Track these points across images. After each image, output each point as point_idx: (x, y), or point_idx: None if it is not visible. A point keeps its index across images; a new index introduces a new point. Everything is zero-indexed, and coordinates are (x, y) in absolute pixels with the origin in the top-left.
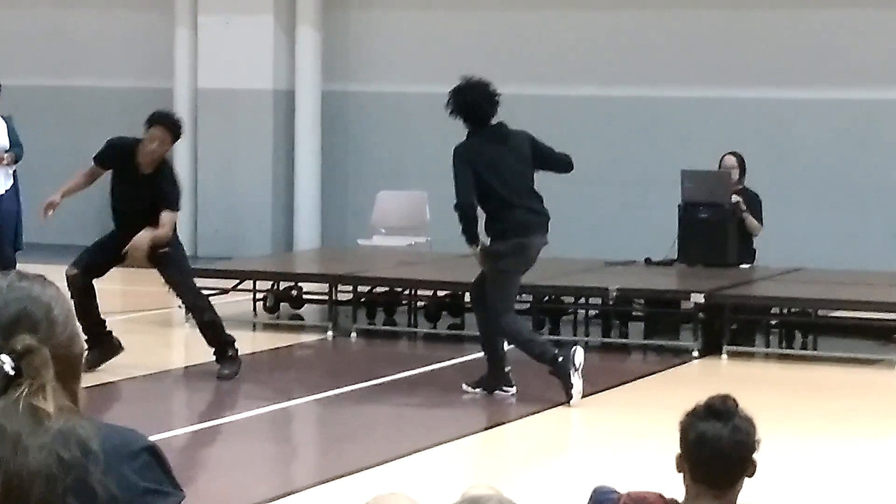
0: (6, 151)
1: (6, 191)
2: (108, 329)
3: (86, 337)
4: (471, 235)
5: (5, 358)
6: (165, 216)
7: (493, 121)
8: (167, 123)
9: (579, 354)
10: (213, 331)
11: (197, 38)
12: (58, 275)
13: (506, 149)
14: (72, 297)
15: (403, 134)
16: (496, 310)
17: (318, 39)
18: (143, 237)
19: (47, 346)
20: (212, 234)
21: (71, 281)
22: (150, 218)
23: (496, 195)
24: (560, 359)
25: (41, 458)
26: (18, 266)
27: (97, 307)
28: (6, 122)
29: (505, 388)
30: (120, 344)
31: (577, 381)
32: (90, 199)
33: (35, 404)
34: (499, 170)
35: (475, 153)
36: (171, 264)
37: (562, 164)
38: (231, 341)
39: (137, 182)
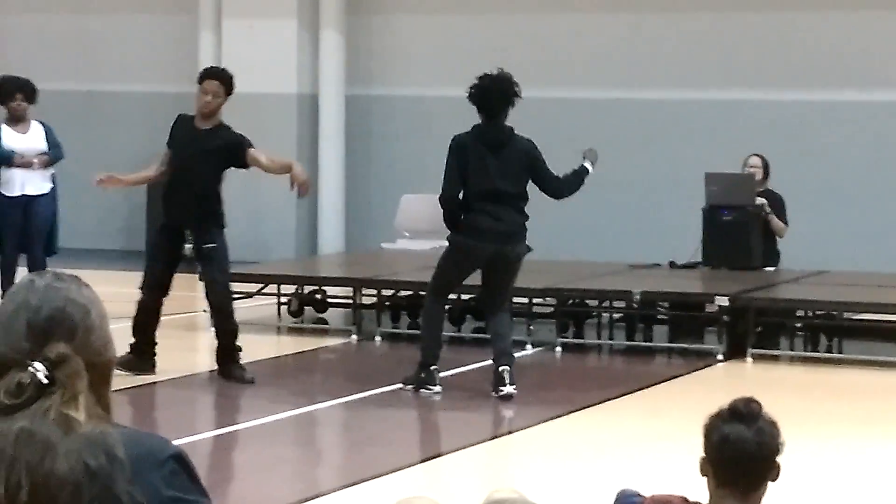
0: (43, 154)
1: (43, 194)
2: (155, 349)
3: (131, 346)
4: (449, 227)
5: (39, 366)
6: (254, 154)
7: (507, 120)
8: (219, 75)
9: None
10: (232, 339)
11: (221, 43)
12: (88, 280)
13: (496, 154)
14: (137, 316)
15: (427, 137)
16: (429, 286)
17: (342, 43)
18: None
19: (82, 354)
20: (236, 238)
21: (141, 305)
22: (212, 182)
23: (468, 193)
24: (430, 369)
25: (68, 465)
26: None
27: (156, 327)
28: (43, 125)
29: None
30: (154, 365)
31: (425, 392)
32: (117, 206)
33: (66, 413)
34: (480, 171)
35: (466, 149)
36: (214, 261)
37: (550, 190)
38: (240, 349)
39: (198, 139)
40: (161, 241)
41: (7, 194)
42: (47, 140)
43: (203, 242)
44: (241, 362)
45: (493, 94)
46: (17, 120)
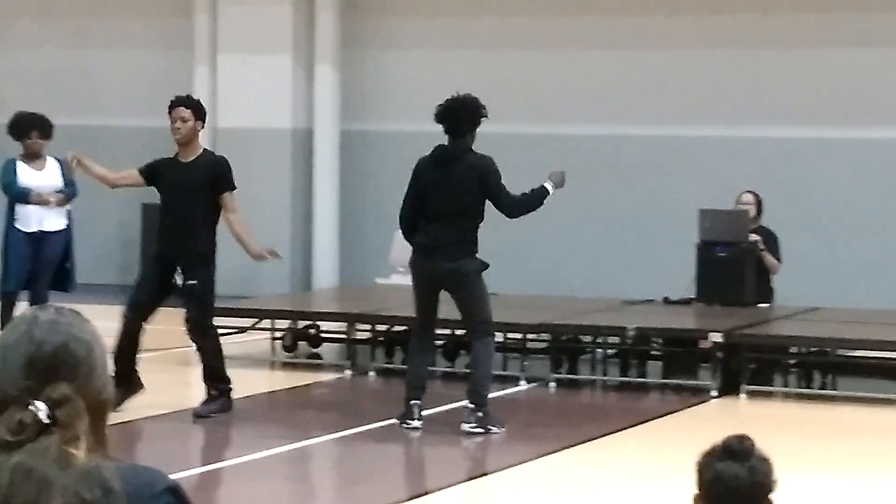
0: (59, 192)
1: (55, 231)
2: (138, 375)
3: (114, 376)
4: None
5: (41, 405)
6: (228, 202)
7: (473, 142)
8: (187, 102)
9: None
10: (207, 372)
11: (216, 77)
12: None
13: (446, 172)
14: (120, 342)
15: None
16: None
17: (337, 78)
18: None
19: (83, 393)
20: (230, 272)
21: (123, 329)
22: (200, 215)
23: (421, 215)
24: (408, 404)
25: (63, 500)
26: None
27: (137, 352)
28: (59, 161)
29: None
30: (141, 383)
31: (404, 427)
32: (111, 240)
33: (67, 452)
34: (429, 191)
35: (420, 173)
36: (193, 298)
37: (502, 207)
38: (220, 383)
39: (181, 174)
40: (152, 269)
41: (23, 229)
42: (63, 177)
43: (186, 278)
44: (214, 395)
45: (461, 113)
46: (32, 157)
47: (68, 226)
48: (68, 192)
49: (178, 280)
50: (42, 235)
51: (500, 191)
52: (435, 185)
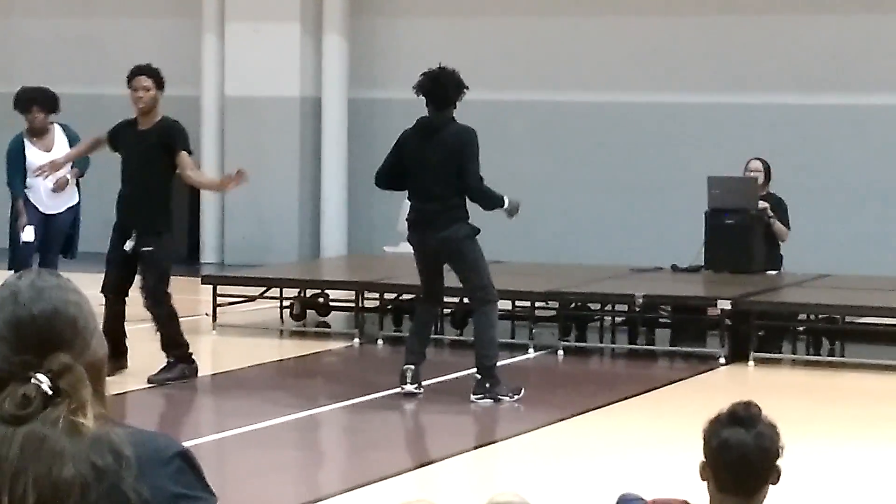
0: (73, 167)
1: (67, 207)
2: (125, 346)
3: None
4: None
5: (42, 377)
6: (184, 160)
7: (453, 113)
8: (147, 70)
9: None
10: (163, 341)
11: (224, 46)
12: (93, 284)
13: (430, 143)
14: (105, 321)
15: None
16: None
17: (345, 47)
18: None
19: (80, 357)
20: (239, 241)
21: (106, 309)
22: (155, 183)
23: (409, 190)
24: (403, 368)
25: (75, 467)
26: None
27: (123, 331)
28: (65, 131)
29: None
30: (127, 363)
31: (408, 388)
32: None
33: (75, 421)
34: (415, 166)
35: (403, 143)
36: (148, 266)
37: (464, 183)
38: (177, 351)
39: (137, 140)
40: (114, 244)
41: (35, 204)
42: (71, 146)
43: (141, 245)
44: (171, 362)
45: (448, 83)
46: (37, 133)
47: (78, 201)
48: (80, 167)
49: (129, 246)
50: (53, 215)
51: (471, 166)
52: (419, 158)
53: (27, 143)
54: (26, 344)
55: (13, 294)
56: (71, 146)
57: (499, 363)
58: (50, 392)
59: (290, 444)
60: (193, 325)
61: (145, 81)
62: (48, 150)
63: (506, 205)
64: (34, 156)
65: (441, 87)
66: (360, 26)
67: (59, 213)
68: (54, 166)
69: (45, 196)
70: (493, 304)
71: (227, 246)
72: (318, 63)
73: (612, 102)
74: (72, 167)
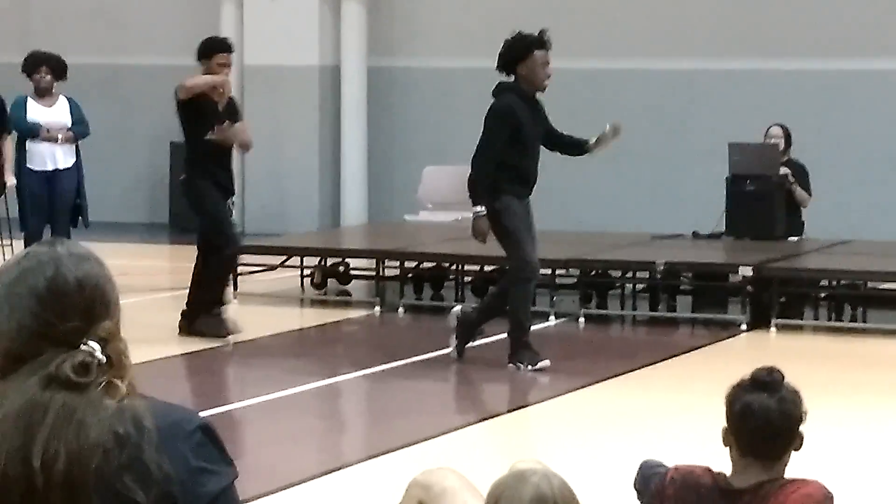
0: (68, 129)
1: (66, 168)
2: None
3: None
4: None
5: (94, 345)
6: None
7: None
8: (228, 46)
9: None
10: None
11: (243, 15)
12: (113, 253)
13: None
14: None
15: (449, 109)
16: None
17: (364, 15)
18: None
19: (118, 328)
20: (259, 210)
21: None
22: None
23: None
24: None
25: (98, 433)
26: None
27: None
28: (69, 101)
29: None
30: None
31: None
32: (140, 179)
33: (118, 388)
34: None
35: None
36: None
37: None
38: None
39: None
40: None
41: (32, 168)
42: (72, 115)
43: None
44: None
45: (501, 50)
46: (41, 94)
47: (78, 163)
48: (77, 131)
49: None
50: (53, 174)
51: (483, 134)
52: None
53: (30, 100)
54: (74, 310)
55: (54, 260)
56: (74, 117)
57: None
58: (104, 360)
59: (311, 413)
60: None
61: (228, 58)
62: (50, 107)
63: (475, 202)
64: (35, 111)
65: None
66: None
67: (61, 172)
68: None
69: (48, 154)
70: (524, 282)
71: (248, 215)
72: (337, 31)
73: (630, 70)
74: (67, 130)
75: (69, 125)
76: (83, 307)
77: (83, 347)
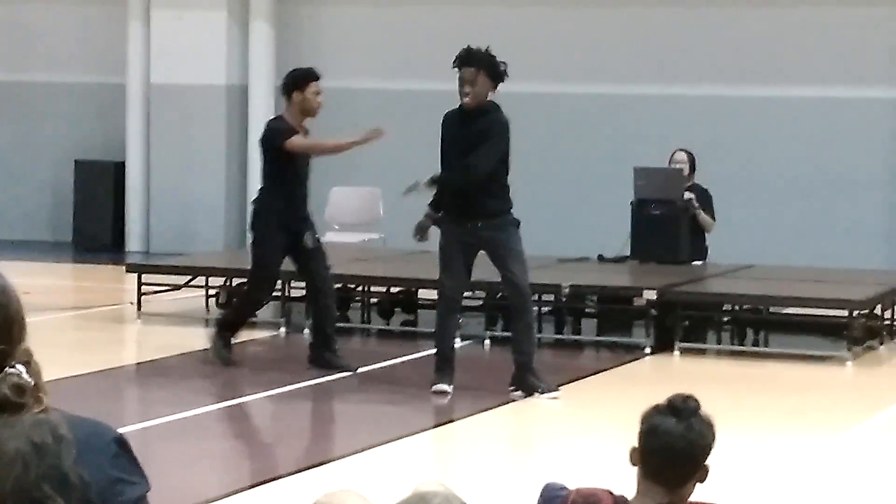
0: None
1: None
2: None
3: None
4: None
5: (21, 367)
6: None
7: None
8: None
9: None
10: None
11: (150, 33)
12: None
13: None
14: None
15: (356, 130)
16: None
17: (272, 35)
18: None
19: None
20: (165, 229)
21: None
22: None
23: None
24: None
25: (16, 445)
26: None
27: None
28: None
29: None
30: None
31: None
32: (44, 197)
33: (41, 406)
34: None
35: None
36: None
37: None
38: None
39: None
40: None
41: None
42: None
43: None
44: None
45: None
46: None
47: None
48: None
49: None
50: None
51: (496, 144)
52: None
53: None
54: None
55: None
56: None
57: (423, 354)
58: (32, 383)
59: (215, 434)
60: (118, 314)
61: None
62: None
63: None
64: None
65: None
66: (286, 14)
67: None
68: None
69: None
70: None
71: (153, 234)
72: (245, 51)
73: (536, 93)
74: None
75: None
76: (5, 330)
77: (10, 370)
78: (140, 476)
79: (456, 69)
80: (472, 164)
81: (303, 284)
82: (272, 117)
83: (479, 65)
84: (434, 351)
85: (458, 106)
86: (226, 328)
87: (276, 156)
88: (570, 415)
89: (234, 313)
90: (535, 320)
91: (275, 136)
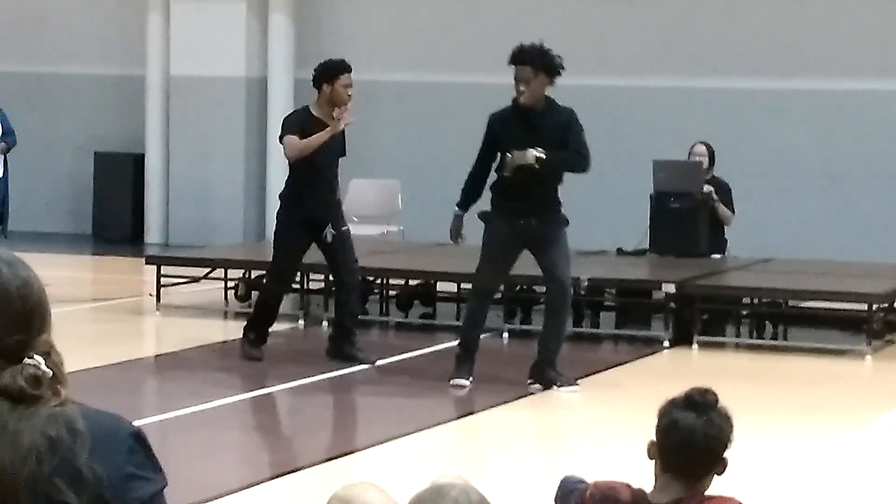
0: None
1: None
2: None
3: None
4: None
5: (39, 359)
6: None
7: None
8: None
9: None
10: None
11: (169, 25)
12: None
13: None
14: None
15: (376, 122)
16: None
17: (291, 27)
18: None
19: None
20: (184, 221)
21: None
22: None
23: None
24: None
25: (31, 438)
26: None
27: None
28: None
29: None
30: None
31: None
32: (64, 189)
33: (59, 398)
34: None
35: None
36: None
37: None
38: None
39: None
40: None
41: None
42: (1, 126)
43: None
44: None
45: None
46: None
47: (6, 174)
48: (9, 142)
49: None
50: None
51: (582, 136)
52: None
53: None
54: (16, 324)
55: None
56: (3, 128)
57: (442, 346)
58: (50, 374)
59: (233, 426)
60: (137, 306)
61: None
62: None
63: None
64: None
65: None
66: (305, 6)
67: None
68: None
69: None
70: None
71: (172, 226)
72: (264, 43)
73: (559, 85)
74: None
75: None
76: (25, 320)
77: (29, 361)
78: (156, 472)
79: (511, 66)
80: (581, 153)
81: (321, 276)
82: (292, 110)
83: (534, 64)
84: (457, 342)
85: (510, 105)
86: (250, 327)
87: None
88: (588, 408)
89: (255, 308)
90: (568, 319)
91: (281, 130)
